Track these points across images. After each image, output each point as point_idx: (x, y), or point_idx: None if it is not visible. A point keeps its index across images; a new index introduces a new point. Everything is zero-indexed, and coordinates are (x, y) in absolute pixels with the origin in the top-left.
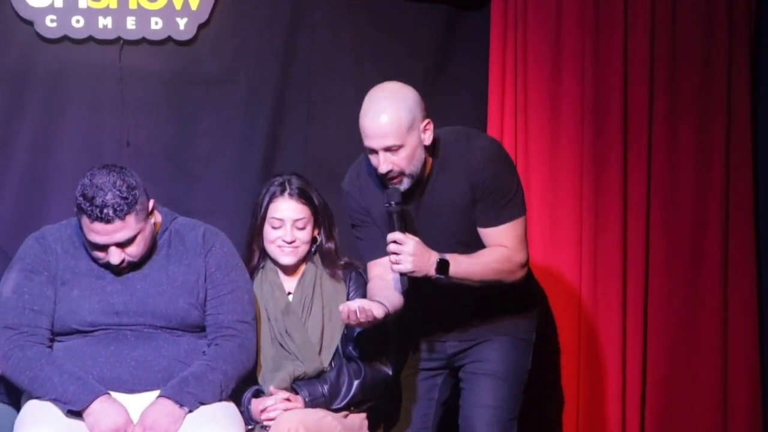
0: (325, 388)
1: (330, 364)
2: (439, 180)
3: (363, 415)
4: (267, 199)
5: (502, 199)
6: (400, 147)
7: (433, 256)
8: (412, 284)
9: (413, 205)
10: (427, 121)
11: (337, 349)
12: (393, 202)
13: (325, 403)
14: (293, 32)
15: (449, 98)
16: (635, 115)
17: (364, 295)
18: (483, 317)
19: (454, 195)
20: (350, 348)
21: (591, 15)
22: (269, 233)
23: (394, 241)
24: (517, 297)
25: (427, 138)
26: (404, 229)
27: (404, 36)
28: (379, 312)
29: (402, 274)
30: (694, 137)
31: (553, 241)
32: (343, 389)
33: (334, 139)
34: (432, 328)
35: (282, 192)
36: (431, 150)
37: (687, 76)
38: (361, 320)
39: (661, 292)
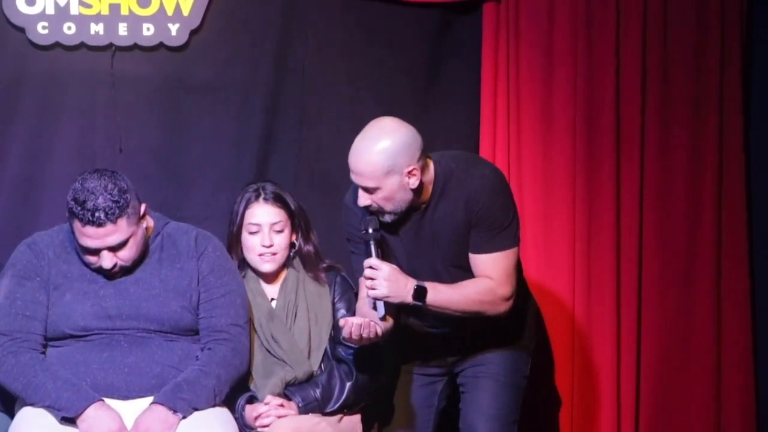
0: (318, 392)
1: (320, 367)
2: (439, 206)
3: (357, 417)
4: (243, 206)
5: (495, 228)
6: (376, 189)
7: (411, 283)
8: (389, 310)
9: (413, 231)
10: (412, 167)
11: (326, 351)
12: (370, 229)
13: (319, 407)
14: (285, 38)
15: (442, 103)
16: (628, 118)
17: (349, 300)
18: (483, 332)
19: (452, 221)
20: (340, 350)
21: (583, 18)
22: (247, 240)
23: (370, 267)
24: (516, 313)
25: (413, 183)
26: (381, 256)
27: (397, 41)
28: (379, 330)
29: (378, 299)
30: (687, 139)
31: (547, 245)
32: (336, 392)
33: (327, 144)
34: (430, 344)
35: (257, 198)
36: (431, 177)
37: (679, 78)
38: (364, 335)
39: (654, 294)
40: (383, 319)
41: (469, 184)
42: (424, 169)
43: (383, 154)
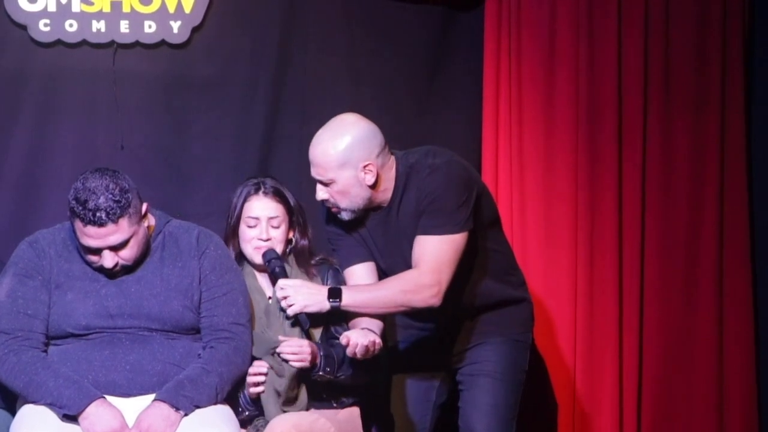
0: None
1: None
2: (403, 202)
3: (356, 412)
4: (242, 198)
5: (435, 211)
6: (331, 181)
7: (324, 288)
8: (312, 320)
9: (382, 229)
10: (369, 163)
11: (319, 346)
12: (272, 259)
13: (334, 368)
14: (287, 34)
15: (443, 101)
16: (630, 115)
17: None
18: (476, 326)
19: (412, 215)
20: (335, 346)
21: (585, 15)
22: (245, 233)
23: (281, 288)
24: (509, 303)
25: (369, 179)
26: (287, 278)
27: (398, 38)
28: (380, 342)
29: (299, 313)
30: (689, 139)
31: (549, 244)
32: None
33: None
34: (423, 341)
35: (256, 191)
36: (393, 175)
37: (681, 75)
38: (371, 352)
39: (656, 294)
40: (308, 330)
41: (422, 175)
42: (385, 167)
43: (339, 147)
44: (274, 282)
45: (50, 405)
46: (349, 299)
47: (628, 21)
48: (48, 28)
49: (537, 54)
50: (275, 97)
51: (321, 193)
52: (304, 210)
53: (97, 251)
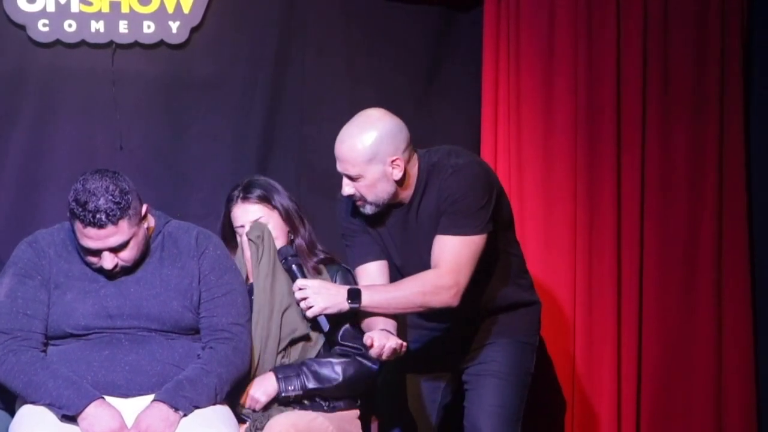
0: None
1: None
2: (423, 200)
3: (356, 412)
4: (226, 206)
5: (456, 212)
6: (358, 176)
7: (342, 289)
8: (332, 322)
9: (400, 225)
10: (396, 158)
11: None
12: (289, 257)
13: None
14: (286, 36)
15: (443, 100)
16: (629, 115)
17: None
18: (487, 327)
19: (432, 213)
20: (337, 347)
21: (583, 15)
22: (240, 240)
23: (299, 288)
24: (521, 305)
25: (396, 174)
26: (305, 277)
27: (397, 39)
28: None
29: (318, 316)
30: (687, 139)
31: (548, 245)
32: (326, 371)
33: (328, 141)
34: (433, 341)
35: (237, 198)
36: (416, 171)
37: (680, 76)
38: (399, 353)
39: (655, 291)
40: (329, 333)
41: (444, 175)
42: (410, 162)
43: (367, 142)
44: (292, 276)
45: (49, 405)
46: (368, 300)
47: (627, 21)
48: (47, 29)
49: (536, 54)
50: (274, 97)
51: (347, 188)
52: (299, 205)
53: (97, 252)
